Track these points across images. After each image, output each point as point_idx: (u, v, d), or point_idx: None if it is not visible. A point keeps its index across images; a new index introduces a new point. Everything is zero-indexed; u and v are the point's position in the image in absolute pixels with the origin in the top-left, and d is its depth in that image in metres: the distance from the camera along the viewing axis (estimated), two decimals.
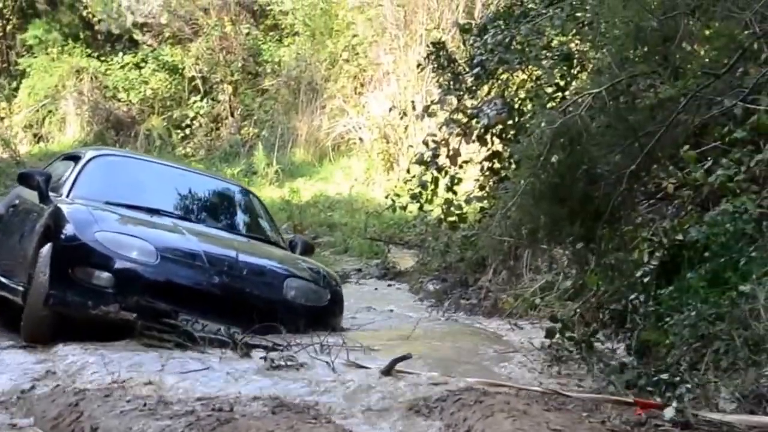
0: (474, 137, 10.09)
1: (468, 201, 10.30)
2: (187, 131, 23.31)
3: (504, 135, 9.89)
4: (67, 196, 8.37)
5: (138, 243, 7.61)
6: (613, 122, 7.39)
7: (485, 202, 10.11)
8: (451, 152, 10.26)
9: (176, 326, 7.26)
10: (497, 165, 10.06)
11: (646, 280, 8.21)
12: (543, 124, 7.44)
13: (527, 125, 8.81)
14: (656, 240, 8.13)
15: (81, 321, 7.47)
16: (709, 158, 7.74)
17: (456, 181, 10.32)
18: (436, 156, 10.29)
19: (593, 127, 7.33)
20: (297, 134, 19.63)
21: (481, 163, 10.32)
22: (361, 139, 18.17)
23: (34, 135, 25.41)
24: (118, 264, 7.47)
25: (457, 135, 10.20)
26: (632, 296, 8.33)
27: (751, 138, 7.55)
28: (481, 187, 10.27)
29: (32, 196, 8.58)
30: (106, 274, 7.44)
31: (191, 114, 23.48)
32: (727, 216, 7.24)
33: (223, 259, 7.82)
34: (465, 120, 10.11)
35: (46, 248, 7.66)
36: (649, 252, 8.16)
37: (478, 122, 9.93)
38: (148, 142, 22.32)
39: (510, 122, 9.76)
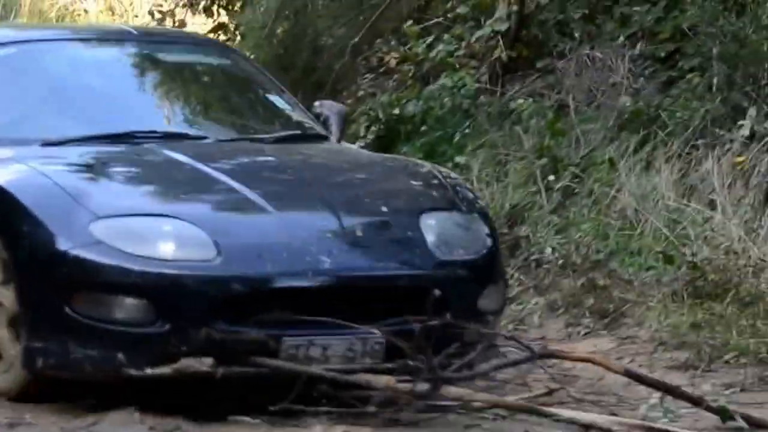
0: (200, 8, 9.98)
1: None
2: None
3: (230, 6, 9.82)
4: None
5: (174, 226, 4.24)
6: None
7: None
8: (177, 23, 10.08)
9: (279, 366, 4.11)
10: (223, 37, 9.80)
11: None
12: None
13: None
14: (373, 114, 8.27)
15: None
16: (431, 34, 7.85)
17: None
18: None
19: None
20: None
21: (207, 34, 9.84)
22: None
23: None
24: (153, 275, 4.10)
25: (183, 6, 10.07)
26: None
27: (473, 14, 7.71)
28: None
29: None
30: (135, 301, 4.13)
31: None
32: (446, 91, 7.41)
33: (320, 218, 4.40)
34: None
35: None
36: (366, 126, 8.32)
37: None
38: None
39: None
